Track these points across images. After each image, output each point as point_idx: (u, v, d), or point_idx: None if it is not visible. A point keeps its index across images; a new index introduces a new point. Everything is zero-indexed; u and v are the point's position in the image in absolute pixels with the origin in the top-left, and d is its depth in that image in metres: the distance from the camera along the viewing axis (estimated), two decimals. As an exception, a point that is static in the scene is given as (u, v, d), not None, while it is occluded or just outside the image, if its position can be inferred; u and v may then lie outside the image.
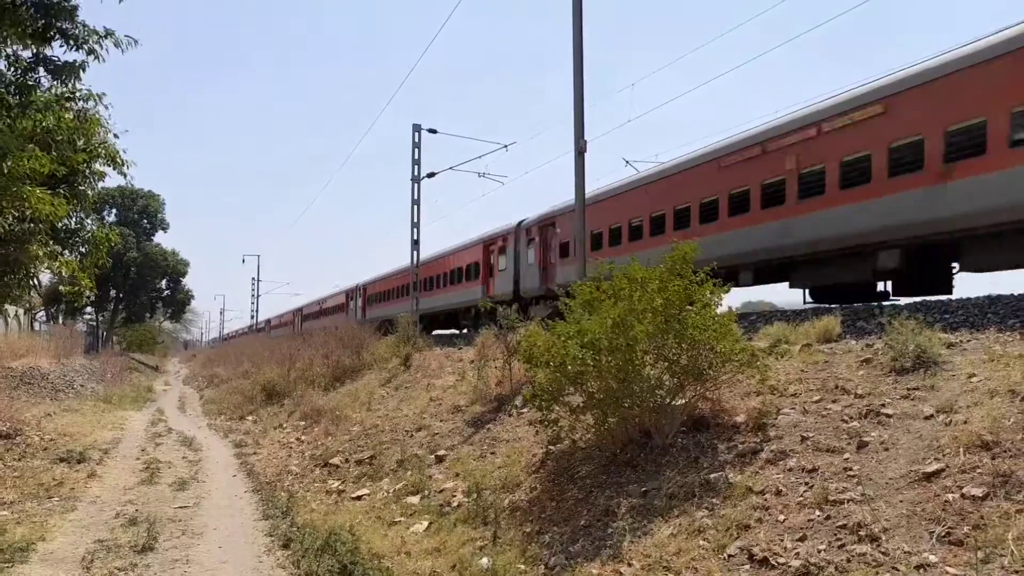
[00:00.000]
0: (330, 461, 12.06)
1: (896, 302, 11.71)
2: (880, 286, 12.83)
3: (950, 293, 11.65)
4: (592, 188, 18.08)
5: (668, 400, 7.36)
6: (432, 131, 25.38)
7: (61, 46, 11.23)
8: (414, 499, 8.98)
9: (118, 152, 14.03)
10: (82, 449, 13.50)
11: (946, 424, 5.62)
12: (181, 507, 9.83)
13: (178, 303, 65.17)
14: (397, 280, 35.13)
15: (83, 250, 15.22)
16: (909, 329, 7.27)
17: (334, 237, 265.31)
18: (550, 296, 20.28)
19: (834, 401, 6.81)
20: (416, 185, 25.39)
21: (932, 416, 5.84)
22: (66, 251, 14.98)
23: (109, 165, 14.23)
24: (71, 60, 11.64)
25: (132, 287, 56.38)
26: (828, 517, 5.03)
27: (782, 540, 4.99)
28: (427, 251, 28.23)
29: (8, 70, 11.76)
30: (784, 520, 5.23)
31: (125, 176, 14.66)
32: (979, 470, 4.83)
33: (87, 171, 14.25)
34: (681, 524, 5.69)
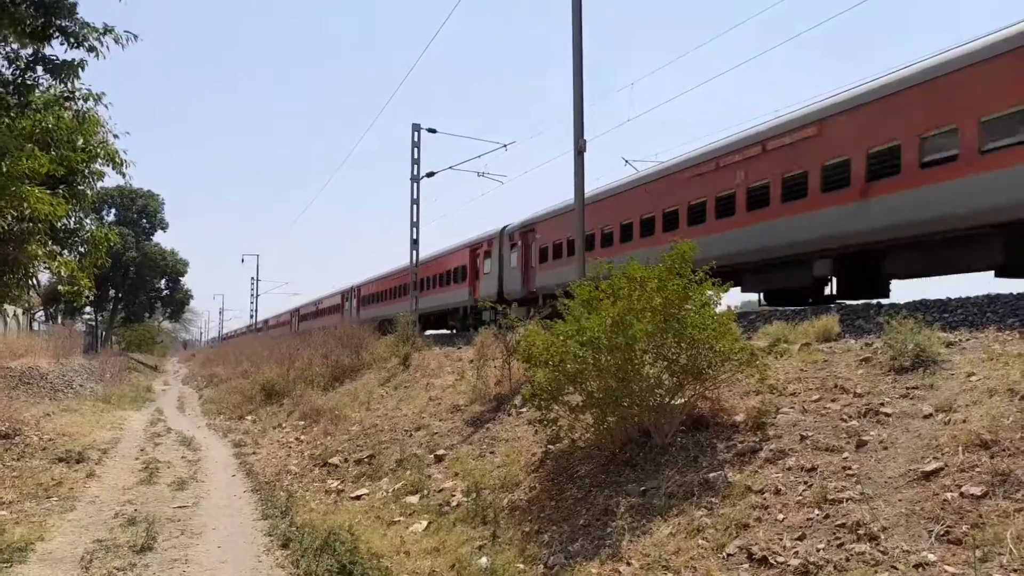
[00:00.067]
0: (329, 461, 12.06)
1: (843, 303, 12.55)
2: (827, 289, 13.82)
3: (887, 296, 12.77)
4: (568, 198, 18.98)
5: (667, 399, 7.36)
6: (431, 130, 25.39)
7: (61, 43, 11.22)
8: (413, 499, 8.97)
9: (117, 152, 14.03)
10: (81, 449, 13.49)
11: (945, 423, 5.62)
12: (180, 507, 9.83)
13: (177, 303, 65.13)
14: (390, 282, 36.43)
15: (82, 250, 15.21)
16: (908, 328, 7.28)
17: (333, 237, 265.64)
18: (531, 298, 22.09)
19: (833, 400, 6.81)
20: (415, 185, 25.39)
21: (931, 415, 5.84)
22: (65, 251, 14.97)
23: (108, 165, 14.23)
24: (70, 59, 11.64)
25: (131, 287, 56.34)
26: (827, 516, 5.03)
27: (781, 539, 4.99)
28: (425, 251, 28.64)
29: (7, 69, 11.75)
30: (783, 519, 5.23)
31: (124, 176, 14.66)
32: (978, 469, 4.83)
33: (86, 171, 14.24)
34: (680, 523, 5.69)
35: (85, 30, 11.13)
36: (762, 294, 15.01)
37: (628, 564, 5.47)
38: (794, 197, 12.85)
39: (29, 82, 11.77)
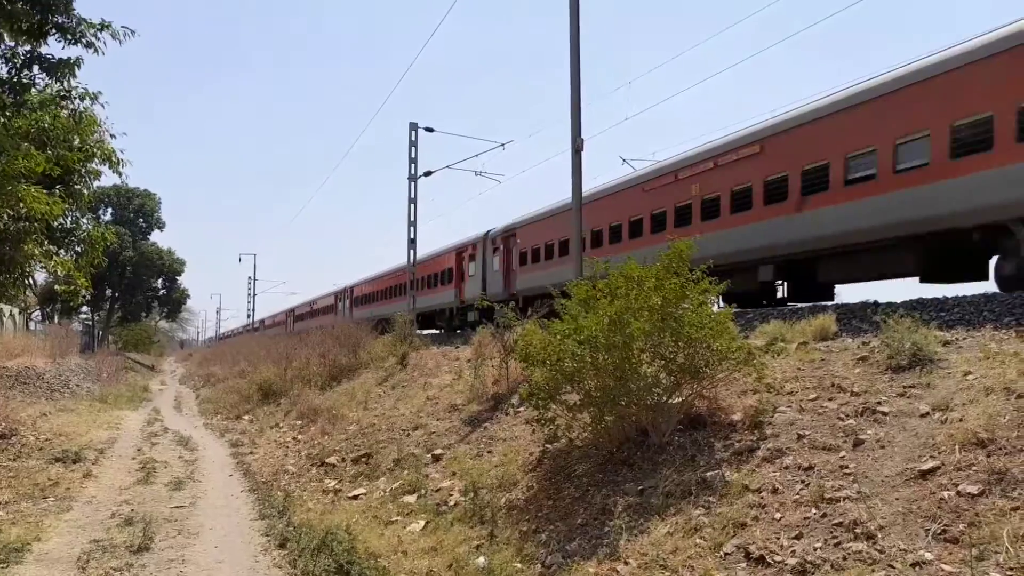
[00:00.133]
0: (327, 460, 12.05)
1: (794, 304, 13.72)
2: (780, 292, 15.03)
3: (831, 299, 14.01)
4: (544, 206, 22.06)
5: (665, 398, 7.36)
6: (429, 129, 25.39)
7: (58, 40, 11.17)
8: (411, 498, 8.97)
9: (114, 151, 14.00)
10: (78, 449, 13.46)
11: (942, 422, 5.63)
12: (177, 507, 9.81)
13: (174, 302, 65.04)
14: (380, 283, 38.18)
15: (79, 249, 15.18)
16: (905, 327, 7.29)
17: (331, 236, 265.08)
18: (511, 301, 22.38)
19: (830, 399, 6.82)
20: (413, 184, 25.38)
21: (928, 414, 5.85)
22: (62, 250, 14.94)
23: (105, 164, 14.19)
24: (66, 57, 11.60)
25: (128, 286, 56.23)
26: (824, 515, 5.04)
27: (778, 538, 5.00)
28: (423, 250, 28.89)
29: (3, 67, 11.71)
30: (780, 518, 5.23)
31: (121, 175, 14.63)
32: (974, 468, 4.84)
33: (82, 170, 14.21)
34: (678, 522, 5.69)
35: (82, 26, 11.09)
36: (720, 296, 15.78)
37: (626, 563, 5.48)
38: (741, 209, 14.14)
39: (25, 81, 11.73)
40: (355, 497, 9.79)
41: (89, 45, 11.21)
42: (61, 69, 11.56)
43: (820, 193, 12.37)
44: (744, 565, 4.88)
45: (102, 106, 13.24)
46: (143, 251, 54.97)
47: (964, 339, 7.33)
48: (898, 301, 10.38)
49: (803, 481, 5.59)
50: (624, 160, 23.37)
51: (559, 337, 7.69)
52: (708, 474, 6.21)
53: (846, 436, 5.99)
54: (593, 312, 7.67)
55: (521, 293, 22.31)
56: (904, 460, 5.33)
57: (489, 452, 9.63)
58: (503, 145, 25.22)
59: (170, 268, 59.13)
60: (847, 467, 5.52)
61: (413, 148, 25.15)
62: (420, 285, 31.34)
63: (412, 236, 26.00)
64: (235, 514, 9.53)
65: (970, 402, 5.74)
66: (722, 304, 15.27)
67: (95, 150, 13.71)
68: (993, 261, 10.92)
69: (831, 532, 4.83)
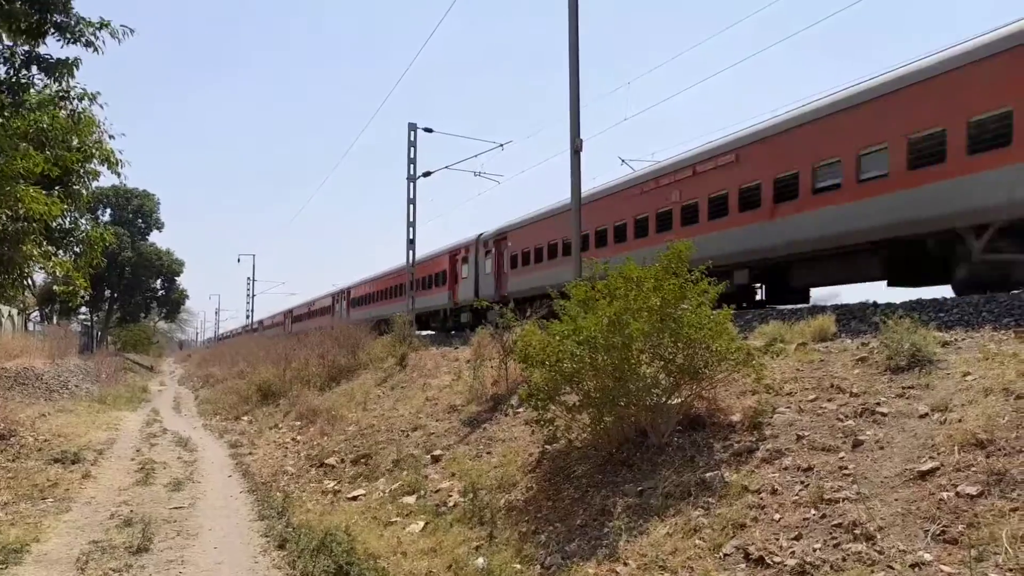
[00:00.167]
0: (326, 461, 12.04)
1: (773, 307, 14.09)
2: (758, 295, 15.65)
3: (807, 302, 14.47)
4: (534, 210, 23.07)
5: (664, 399, 7.36)
6: (428, 130, 25.39)
7: (57, 40, 11.18)
8: (410, 499, 8.96)
9: (112, 152, 13.99)
10: (77, 450, 13.46)
11: (941, 423, 5.63)
12: (176, 508, 9.81)
13: (173, 303, 64.97)
14: (376, 285, 38.96)
15: (77, 250, 15.18)
16: (904, 328, 7.29)
17: (331, 236, 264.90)
18: (503, 302, 23.17)
19: (829, 400, 6.82)
20: (412, 184, 25.38)
21: (927, 415, 5.85)
22: (60, 251, 14.93)
23: (104, 165, 14.19)
24: (64, 57, 11.61)
25: (127, 287, 56.19)
26: (824, 516, 5.04)
27: (778, 539, 5.00)
28: (421, 251, 29.00)
29: (2, 67, 11.72)
30: (780, 519, 5.23)
31: (119, 176, 14.63)
32: (973, 468, 4.84)
33: (81, 171, 14.20)
34: (677, 523, 5.69)
35: (81, 25, 11.10)
36: None
37: (625, 564, 5.47)
38: (718, 215, 14.74)
39: (24, 81, 11.73)
40: (354, 498, 9.79)
41: (88, 44, 11.22)
42: (59, 69, 11.58)
43: (790, 201, 13.04)
44: (743, 566, 4.88)
45: (100, 107, 13.26)
46: (142, 252, 54.93)
47: (963, 340, 7.33)
48: (897, 302, 10.40)
49: (802, 482, 5.59)
50: (623, 161, 23.43)
51: (558, 338, 7.69)
52: (707, 475, 6.21)
53: (845, 437, 5.99)
54: (592, 313, 7.67)
55: (512, 295, 22.73)
56: (903, 461, 5.33)
57: (488, 453, 9.63)
58: (502, 146, 25.27)
59: (169, 269, 59.10)
60: (846, 468, 5.52)
61: (412, 149, 25.15)
62: (415, 287, 31.56)
63: (411, 237, 26.01)
64: (234, 515, 9.52)
65: (969, 403, 5.74)
66: None
67: (94, 150, 13.72)
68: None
69: (830, 533, 4.83)
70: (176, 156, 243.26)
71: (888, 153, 11.33)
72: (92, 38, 11.22)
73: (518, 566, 6.20)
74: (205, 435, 17.93)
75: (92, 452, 13.75)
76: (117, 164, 14.12)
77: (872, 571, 4.30)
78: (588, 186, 18.09)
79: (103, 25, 11.24)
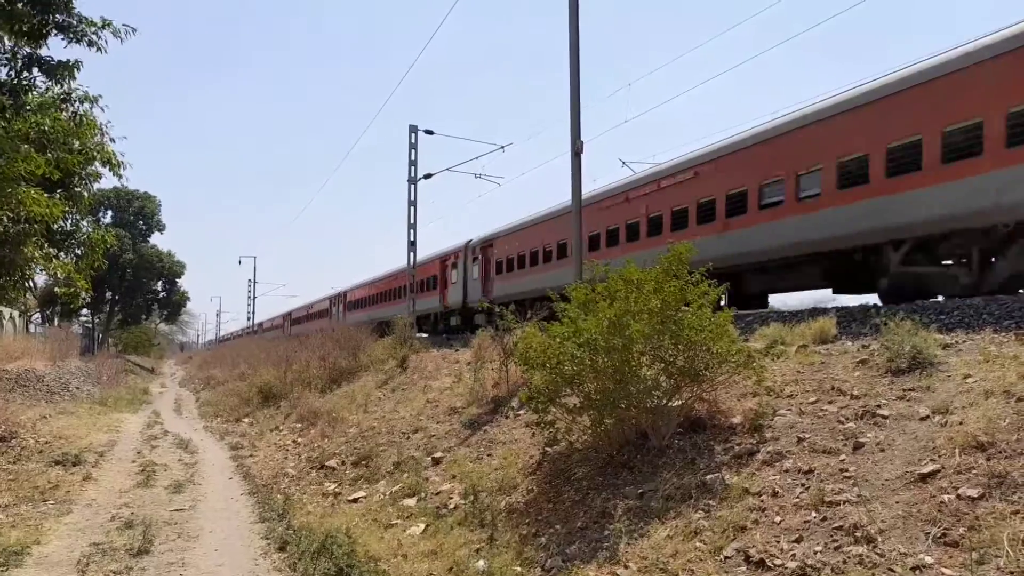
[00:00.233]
0: (326, 463, 12.04)
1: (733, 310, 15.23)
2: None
3: (766, 307, 15.33)
4: (514, 220, 24.46)
5: (664, 401, 7.36)
6: (429, 132, 25.42)
7: (60, 39, 11.18)
8: (411, 501, 8.96)
9: (114, 154, 14.02)
10: (77, 452, 13.45)
11: (942, 425, 5.63)
12: (177, 510, 9.80)
13: (174, 305, 65.01)
14: (371, 289, 40.18)
15: (79, 252, 15.20)
16: (905, 330, 7.28)
17: (332, 237, 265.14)
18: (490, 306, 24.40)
19: (830, 402, 6.82)
20: (413, 186, 25.39)
21: (928, 417, 5.84)
22: (62, 253, 14.96)
23: (105, 167, 14.21)
24: (66, 59, 11.62)
25: (128, 289, 56.23)
26: (824, 518, 5.03)
27: (778, 541, 4.99)
28: (422, 252, 29.30)
29: (3, 68, 11.73)
30: (780, 521, 5.23)
31: (121, 178, 14.65)
32: (974, 471, 4.84)
33: (82, 173, 14.23)
34: (677, 526, 5.69)
35: (83, 25, 11.11)
36: None
37: (626, 567, 5.47)
38: (679, 227, 15.81)
39: (25, 83, 11.75)
40: (355, 500, 9.79)
41: (91, 43, 11.23)
42: (60, 71, 11.59)
43: (740, 216, 14.21)
44: (744, 568, 4.87)
45: (102, 109, 13.28)
46: (143, 253, 54.98)
47: (964, 342, 7.32)
48: (897, 306, 10.39)
49: (803, 484, 5.58)
50: (624, 163, 23.69)
51: (558, 340, 7.69)
52: (708, 477, 6.21)
53: (846, 439, 5.99)
54: (592, 315, 7.67)
55: (498, 299, 23.53)
56: (904, 463, 5.33)
57: (489, 455, 9.62)
58: (503, 148, 25.30)
59: (170, 271, 59.15)
60: (847, 470, 5.51)
61: (413, 151, 25.17)
62: (406, 292, 32.83)
63: (412, 239, 26.02)
64: (235, 517, 9.52)
65: (970, 405, 5.73)
66: None
67: (95, 153, 13.74)
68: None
69: (831, 535, 4.83)
70: (176, 156, 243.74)
71: (822, 174, 12.55)
72: (94, 37, 11.23)
73: (519, 569, 6.20)
74: (206, 437, 17.93)
75: (93, 454, 13.75)
76: (118, 166, 14.16)
77: (873, 574, 4.30)
78: (588, 188, 18.49)
79: (105, 24, 11.25)
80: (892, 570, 4.27)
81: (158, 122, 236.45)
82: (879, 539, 4.58)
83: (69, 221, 15.42)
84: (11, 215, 12.25)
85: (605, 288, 7.94)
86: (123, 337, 59.96)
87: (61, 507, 9.74)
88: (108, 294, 55.63)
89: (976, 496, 4.58)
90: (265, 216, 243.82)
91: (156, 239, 57.73)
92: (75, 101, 12.90)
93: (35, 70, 11.77)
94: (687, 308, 7.42)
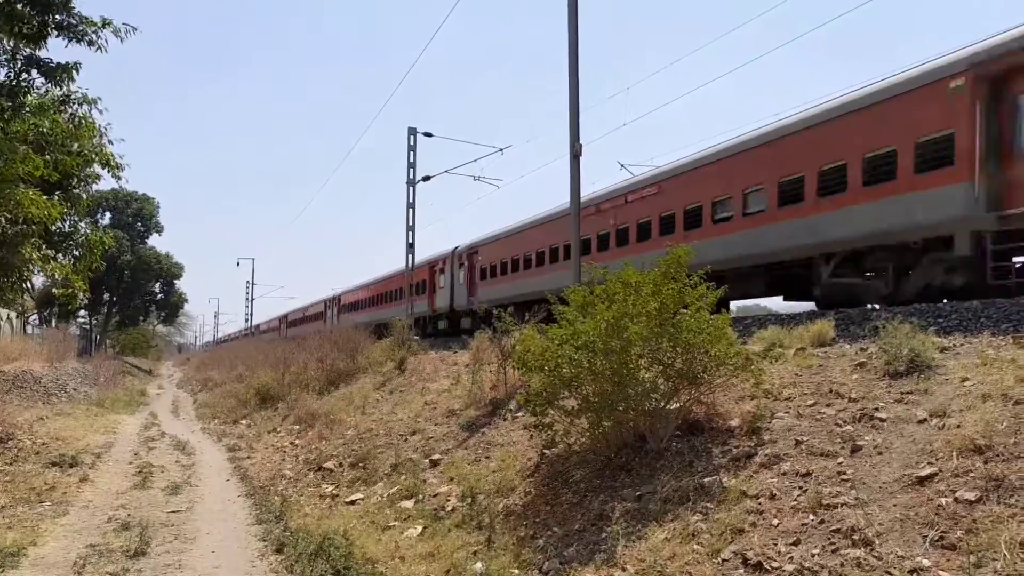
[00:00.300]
0: (324, 465, 12.02)
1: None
2: None
3: (729, 311, 15.22)
4: (498, 229, 25.72)
5: (662, 404, 7.36)
6: (428, 135, 25.47)
7: (60, 38, 11.16)
8: (408, 503, 8.95)
9: (112, 156, 14.02)
10: (74, 453, 13.42)
11: (939, 428, 5.63)
12: (174, 512, 9.78)
13: (172, 306, 65.00)
14: (364, 292, 41.79)
15: (77, 253, 15.19)
16: (903, 333, 7.29)
17: (331, 239, 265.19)
18: (473, 311, 25.93)
19: (828, 405, 6.82)
20: (411, 188, 25.40)
21: (925, 420, 5.85)
22: (60, 254, 14.94)
23: (104, 168, 14.21)
24: (65, 62, 11.61)
25: (126, 290, 56.20)
26: (822, 521, 5.03)
27: (776, 544, 4.99)
28: (421, 254, 29.59)
29: (1, 68, 11.72)
30: (778, 524, 5.23)
31: (119, 180, 14.65)
32: (972, 474, 4.84)
33: (81, 175, 14.23)
34: (675, 528, 5.69)
35: (83, 24, 11.09)
36: None
37: (623, 569, 5.47)
38: (644, 239, 17.04)
39: (24, 84, 11.74)
40: (352, 502, 9.77)
41: (91, 43, 11.21)
42: (59, 73, 11.57)
43: (696, 229, 15.30)
44: (742, 571, 4.87)
45: (100, 112, 13.27)
46: (141, 255, 54.96)
47: (962, 345, 7.34)
48: (895, 308, 10.40)
49: (801, 487, 5.58)
50: (622, 165, 24.09)
51: (557, 343, 7.69)
52: (706, 480, 6.20)
53: (844, 442, 5.99)
54: (591, 317, 7.67)
55: (482, 304, 24.81)
56: (902, 466, 5.33)
57: (487, 457, 9.61)
58: (502, 150, 25.48)
59: (168, 272, 59.14)
60: (845, 473, 5.51)
61: (412, 153, 25.19)
62: (397, 295, 34.26)
63: (410, 241, 26.02)
64: (232, 519, 9.50)
65: (967, 408, 5.74)
66: None
67: (93, 155, 13.74)
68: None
69: (829, 538, 4.83)
70: (176, 156, 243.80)
71: (765, 193, 13.78)
72: (94, 37, 11.21)
73: (516, 571, 6.19)
74: (203, 439, 17.90)
75: (90, 456, 13.72)
76: (117, 168, 14.16)
77: (870, 577, 4.30)
78: (587, 191, 18.91)
79: (105, 23, 11.23)
80: (889, 573, 4.27)
81: (157, 122, 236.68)
82: (876, 542, 4.58)
83: (67, 222, 15.42)
84: (9, 216, 12.24)
85: (603, 291, 7.94)
86: (121, 339, 59.89)
87: (57, 508, 9.71)
88: (106, 295, 55.59)
89: (973, 499, 4.59)
90: (264, 217, 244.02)
91: (154, 241, 57.89)
92: (74, 103, 12.90)
93: (34, 72, 11.76)
94: (685, 311, 7.43)
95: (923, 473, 5.06)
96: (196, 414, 24.69)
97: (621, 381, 7.26)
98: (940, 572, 4.13)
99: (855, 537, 4.69)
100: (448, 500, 8.62)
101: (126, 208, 54.06)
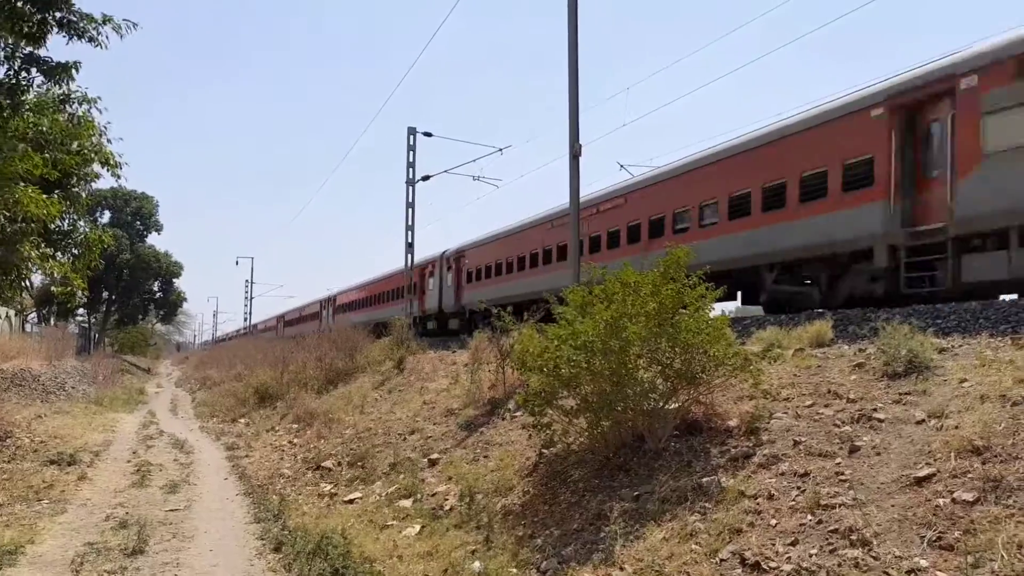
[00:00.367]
0: (322, 464, 12.02)
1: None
2: None
3: None
4: (485, 233, 26.81)
5: (661, 404, 7.36)
6: (427, 134, 25.49)
7: (61, 35, 11.15)
8: (406, 503, 8.95)
9: (112, 154, 14.02)
10: (72, 451, 13.42)
11: (937, 429, 5.63)
12: (172, 510, 9.78)
13: (170, 305, 64.94)
14: (358, 293, 42.70)
15: (75, 252, 15.19)
16: (901, 334, 7.30)
17: (331, 238, 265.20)
18: (460, 312, 27.80)
19: (826, 406, 6.82)
20: (411, 188, 25.41)
21: (924, 421, 5.85)
22: (59, 253, 14.94)
23: (103, 167, 14.21)
24: (64, 61, 11.60)
25: (124, 289, 56.14)
26: (820, 521, 5.04)
27: (774, 544, 5.00)
28: (420, 254, 29.79)
29: (1, 66, 11.70)
30: (776, 524, 5.23)
31: (118, 178, 14.65)
32: (970, 475, 4.84)
33: (80, 173, 14.22)
34: (673, 528, 5.69)
35: (84, 21, 11.08)
36: None
37: (621, 569, 5.47)
38: (613, 247, 18.27)
39: (23, 83, 11.73)
40: (351, 501, 9.77)
41: (92, 40, 11.19)
42: (59, 72, 11.56)
43: (658, 238, 16.20)
44: (740, 571, 4.87)
45: (100, 111, 13.26)
46: (140, 254, 54.90)
47: (960, 346, 7.34)
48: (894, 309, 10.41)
49: (799, 487, 5.59)
50: (622, 166, 24.23)
51: (555, 342, 7.69)
52: (704, 480, 6.21)
53: (842, 443, 5.99)
54: (590, 317, 7.68)
55: (468, 306, 25.75)
56: (900, 467, 5.33)
57: (485, 457, 9.62)
58: (501, 150, 25.51)
59: (167, 271, 59.07)
60: (843, 474, 5.52)
61: (411, 153, 25.19)
62: (388, 297, 35.45)
63: (410, 240, 26.03)
64: (230, 518, 9.50)
65: (966, 409, 5.74)
66: None
67: (93, 154, 13.73)
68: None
69: (827, 539, 4.83)
70: (175, 155, 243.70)
71: (718, 206, 14.88)
72: (95, 34, 11.20)
73: (514, 570, 6.20)
74: (202, 437, 17.90)
75: (88, 454, 13.72)
76: (116, 167, 14.16)
77: (868, 577, 4.30)
78: (586, 191, 19.06)
79: (106, 20, 11.22)
80: (887, 573, 4.28)
81: (157, 120, 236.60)
82: (874, 542, 4.59)
83: (66, 221, 15.41)
84: (8, 214, 12.24)
85: (602, 291, 7.95)
86: (119, 337, 59.90)
87: (56, 506, 9.71)
88: (105, 294, 55.52)
89: (971, 500, 4.59)
90: (264, 216, 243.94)
91: (153, 239, 57.79)
92: (74, 102, 12.89)
93: (33, 70, 11.75)
94: (684, 311, 7.44)
95: (921, 474, 5.06)
96: (195, 413, 24.68)
97: (620, 381, 7.26)
98: (938, 572, 4.14)
99: (853, 537, 4.69)
100: (446, 499, 8.63)
101: (125, 207, 54.00)
